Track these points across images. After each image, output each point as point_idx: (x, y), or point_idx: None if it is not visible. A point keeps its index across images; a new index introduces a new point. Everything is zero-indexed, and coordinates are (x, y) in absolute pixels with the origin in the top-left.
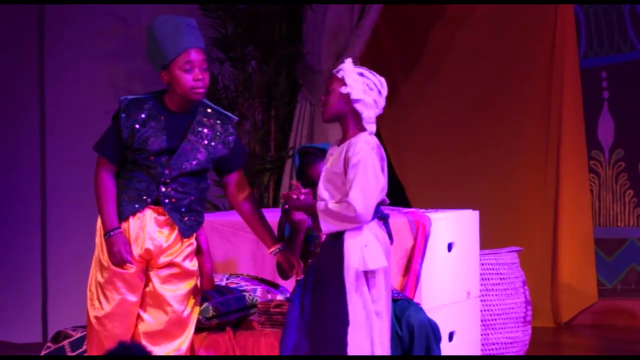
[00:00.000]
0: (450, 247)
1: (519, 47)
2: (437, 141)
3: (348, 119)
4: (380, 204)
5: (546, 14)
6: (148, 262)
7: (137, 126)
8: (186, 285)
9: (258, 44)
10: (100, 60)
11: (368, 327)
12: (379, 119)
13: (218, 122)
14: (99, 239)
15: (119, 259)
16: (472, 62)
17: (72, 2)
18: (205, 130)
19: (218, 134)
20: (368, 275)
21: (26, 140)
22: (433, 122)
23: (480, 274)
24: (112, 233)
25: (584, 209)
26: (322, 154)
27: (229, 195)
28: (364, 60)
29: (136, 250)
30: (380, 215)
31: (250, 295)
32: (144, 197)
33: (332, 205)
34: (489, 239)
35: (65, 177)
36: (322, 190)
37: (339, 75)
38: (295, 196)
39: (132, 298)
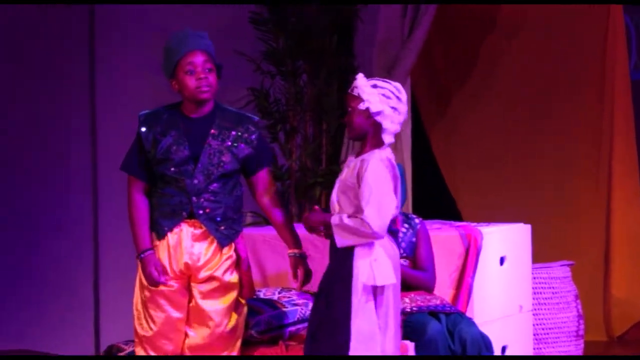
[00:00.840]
0: (502, 260)
1: (570, 58)
2: (489, 153)
3: (369, 133)
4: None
5: (597, 25)
6: (189, 277)
7: (158, 137)
8: (227, 299)
9: (309, 57)
10: (150, 74)
11: (371, 342)
12: (430, 132)
13: (238, 122)
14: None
15: (151, 281)
16: (523, 74)
17: (122, 16)
18: (226, 132)
19: (240, 134)
20: (376, 290)
21: (78, 154)
22: (484, 134)
23: (533, 288)
24: (143, 255)
25: (637, 221)
26: None
27: (257, 195)
28: (415, 73)
29: (176, 267)
30: (390, 230)
31: (302, 309)
32: (179, 212)
33: (347, 220)
34: (541, 253)
35: (117, 190)
36: (334, 201)
37: (355, 92)
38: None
39: (177, 314)
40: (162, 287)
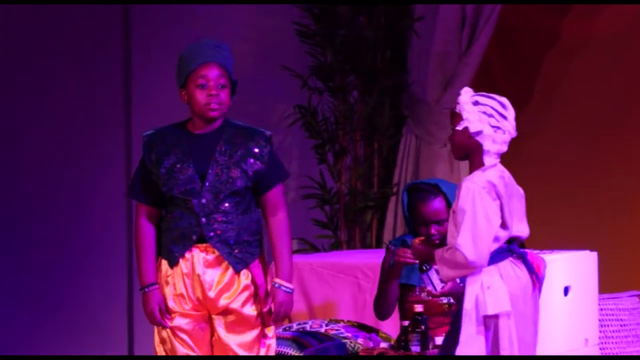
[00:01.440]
0: (566, 290)
1: (638, 77)
2: (552, 175)
3: (473, 154)
4: (511, 241)
5: None
6: (208, 309)
7: (161, 156)
8: (250, 333)
9: (359, 72)
10: None
11: None
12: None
13: (248, 137)
14: None
15: (152, 320)
16: (588, 92)
17: (159, 29)
18: (235, 148)
19: (250, 149)
20: (490, 320)
21: (111, 168)
22: (548, 157)
23: (599, 320)
24: (147, 289)
25: None
26: (432, 189)
27: (265, 216)
28: (474, 90)
29: (193, 296)
30: (516, 254)
31: (351, 342)
32: (189, 235)
33: (446, 253)
34: (609, 282)
35: None
36: (448, 230)
37: (456, 109)
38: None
39: (199, 352)
40: (180, 321)
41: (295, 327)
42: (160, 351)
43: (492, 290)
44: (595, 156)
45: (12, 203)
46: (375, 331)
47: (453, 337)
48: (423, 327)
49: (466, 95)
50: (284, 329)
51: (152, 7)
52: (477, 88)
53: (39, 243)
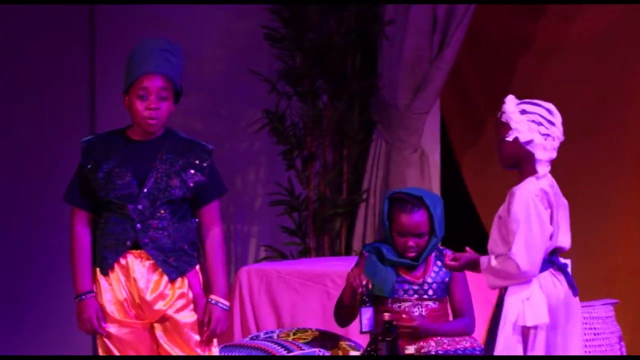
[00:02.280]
0: None
1: (616, 80)
2: None
3: (523, 163)
4: (554, 252)
5: None
6: (148, 316)
7: (99, 161)
8: (188, 342)
9: (329, 77)
10: None
11: None
12: (461, 158)
13: (190, 149)
14: None
15: (89, 328)
16: (563, 96)
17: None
18: (176, 157)
19: (191, 160)
20: (528, 332)
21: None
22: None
23: None
24: (83, 297)
25: None
26: (416, 202)
27: (201, 229)
28: (445, 95)
29: (131, 302)
30: (557, 266)
31: (320, 351)
32: (123, 241)
33: (494, 262)
34: (582, 290)
35: None
36: (490, 239)
37: (503, 118)
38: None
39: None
40: (120, 330)
41: (262, 336)
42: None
43: (531, 301)
44: (569, 162)
45: None
46: (346, 339)
47: (489, 344)
48: (393, 335)
49: (511, 103)
50: (251, 338)
51: (118, 7)
52: (450, 94)
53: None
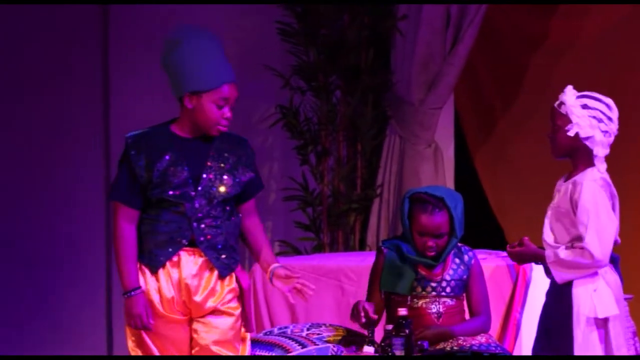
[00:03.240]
0: None
1: (625, 79)
2: (539, 178)
3: (578, 155)
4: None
5: None
6: (192, 313)
7: (152, 158)
8: (229, 331)
9: (342, 72)
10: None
11: None
12: (475, 153)
13: (237, 145)
14: None
15: (139, 324)
16: None
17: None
18: (226, 155)
19: (240, 157)
20: (599, 322)
21: (89, 178)
22: (534, 157)
23: None
24: (132, 293)
25: None
26: (437, 202)
27: (245, 222)
28: (459, 91)
29: (179, 301)
30: (611, 258)
31: (334, 347)
32: (178, 239)
33: (563, 254)
34: None
35: None
36: (548, 231)
37: (562, 110)
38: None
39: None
40: (164, 326)
41: (276, 331)
42: (137, 353)
43: (598, 293)
44: None
45: None
46: (359, 335)
47: (563, 340)
48: (407, 331)
49: (571, 96)
50: (265, 333)
51: (132, 7)
52: (463, 89)
53: (17, 244)
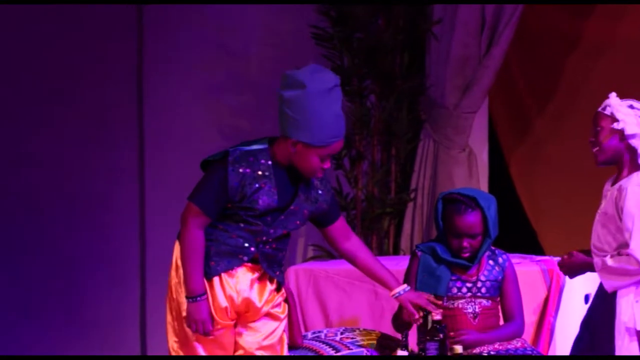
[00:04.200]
0: (587, 298)
1: None
2: (574, 181)
3: (623, 157)
4: None
5: None
6: (246, 319)
7: (247, 182)
8: (274, 334)
9: (377, 76)
10: (203, 94)
11: None
12: (510, 157)
13: (323, 181)
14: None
15: (201, 329)
16: None
17: (173, 30)
18: (309, 188)
19: (318, 192)
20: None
21: (124, 180)
22: (569, 161)
23: None
24: (199, 298)
25: None
26: (470, 202)
27: (335, 244)
28: (493, 94)
29: (232, 310)
30: None
31: (368, 351)
32: (240, 256)
33: (610, 262)
34: None
35: (166, 221)
36: (596, 237)
37: (607, 112)
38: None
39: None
40: (215, 333)
41: (310, 335)
42: (179, 354)
43: None
44: None
45: (26, 209)
46: (393, 340)
47: (605, 345)
48: (441, 335)
49: (617, 98)
50: None
51: (166, 7)
52: (497, 92)
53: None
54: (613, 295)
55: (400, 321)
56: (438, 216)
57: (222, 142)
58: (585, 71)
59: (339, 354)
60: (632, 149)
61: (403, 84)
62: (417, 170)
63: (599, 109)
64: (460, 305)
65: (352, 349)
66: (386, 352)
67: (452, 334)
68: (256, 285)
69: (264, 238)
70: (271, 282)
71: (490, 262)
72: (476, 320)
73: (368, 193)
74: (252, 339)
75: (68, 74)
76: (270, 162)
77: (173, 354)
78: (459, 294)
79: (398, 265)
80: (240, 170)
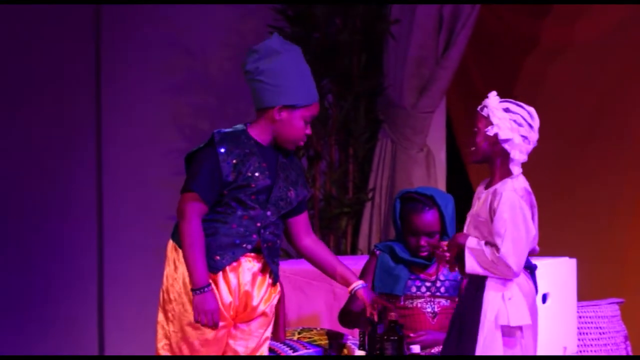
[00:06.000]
0: (544, 298)
1: (622, 81)
2: (531, 182)
3: (496, 161)
4: (530, 253)
5: None
6: (242, 319)
7: (242, 161)
8: (263, 333)
9: (334, 76)
10: (162, 95)
11: None
12: (468, 157)
13: (295, 162)
14: (186, 296)
15: (210, 321)
16: (568, 96)
17: (131, 30)
18: (288, 169)
19: (298, 174)
20: (507, 330)
21: (81, 180)
22: (527, 164)
23: (578, 328)
24: (206, 289)
25: None
26: (427, 201)
27: (294, 238)
28: (451, 94)
29: (233, 306)
30: (526, 265)
31: (326, 350)
32: (244, 245)
33: (487, 250)
34: (588, 290)
35: (123, 220)
36: (470, 234)
37: (484, 113)
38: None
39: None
40: (213, 329)
41: None
42: (166, 352)
43: (513, 301)
44: (574, 162)
45: None
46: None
47: (468, 340)
48: (399, 334)
49: (495, 99)
50: None
51: (124, 7)
52: (456, 93)
53: (8, 243)
54: (480, 289)
55: (351, 317)
56: (396, 215)
57: (183, 143)
58: (541, 72)
59: (296, 353)
60: (505, 153)
61: (361, 84)
62: (374, 170)
63: (478, 108)
64: (419, 305)
65: (309, 349)
66: (343, 352)
67: (411, 333)
68: (258, 279)
69: (263, 222)
70: (270, 277)
71: None
72: (435, 320)
73: (326, 193)
74: (246, 342)
75: (24, 75)
76: (252, 140)
77: (163, 353)
78: (418, 293)
79: (356, 264)
80: (230, 148)
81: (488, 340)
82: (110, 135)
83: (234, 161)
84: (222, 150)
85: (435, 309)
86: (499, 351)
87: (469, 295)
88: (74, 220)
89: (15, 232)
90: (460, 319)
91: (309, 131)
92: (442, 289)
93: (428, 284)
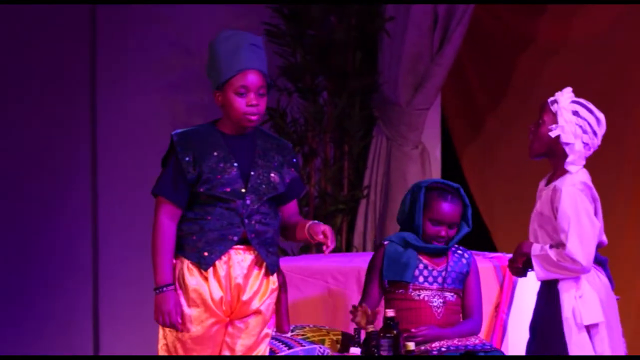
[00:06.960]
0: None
1: (616, 81)
2: (526, 182)
3: (557, 157)
4: (598, 246)
5: None
6: (235, 314)
7: (200, 155)
8: (260, 331)
9: (330, 73)
10: (158, 93)
11: None
12: (463, 154)
13: (279, 147)
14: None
15: (168, 321)
16: None
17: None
18: (270, 155)
19: (285, 156)
20: (589, 327)
21: (76, 180)
22: (522, 159)
23: None
24: (165, 289)
25: None
26: (454, 191)
27: (288, 220)
28: (445, 92)
29: (227, 301)
30: (596, 260)
31: (320, 347)
32: (230, 237)
33: (551, 252)
34: None
35: (118, 218)
36: (532, 237)
37: (553, 108)
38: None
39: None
40: (211, 329)
41: None
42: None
43: (584, 299)
44: None
45: None
46: (346, 336)
47: (557, 345)
48: (395, 332)
49: (567, 97)
50: None
51: (120, 7)
52: (451, 90)
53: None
54: (555, 293)
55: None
56: (420, 203)
57: None
58: (537, 71)
59: (291, 350)
60: (564, 153)
61: (356, 81)
62: (369, 167)
63: (548, 100)
64: (425, 298)
65: (304, 346)
66: (338, 349)
67: (412, 328)
68: (250, 271)
69: (245, 211)
70: (264, 268)
71: (458, 253)
72: (440, 315)
73: (321, 190)
74: (242, 340)
75: (20, 74)
76: (216, 133)
77: (162, 353)
78: (426, 283)
79: (351, 262)
80: (190, 145)
81: (577, 341)
82: (106, 135)
83: (190, 158)
84: (179, 149)
85: (442, 304)
86: (589, 349)
87: (544, 295)
88: (69, 219)
89: (11, 232)
90: (539, 323)
91: (253, 101)
92: (449, 280)
93: (435, 273)
